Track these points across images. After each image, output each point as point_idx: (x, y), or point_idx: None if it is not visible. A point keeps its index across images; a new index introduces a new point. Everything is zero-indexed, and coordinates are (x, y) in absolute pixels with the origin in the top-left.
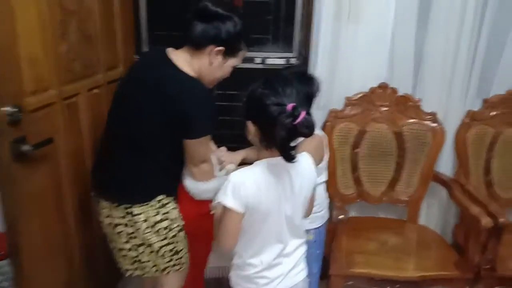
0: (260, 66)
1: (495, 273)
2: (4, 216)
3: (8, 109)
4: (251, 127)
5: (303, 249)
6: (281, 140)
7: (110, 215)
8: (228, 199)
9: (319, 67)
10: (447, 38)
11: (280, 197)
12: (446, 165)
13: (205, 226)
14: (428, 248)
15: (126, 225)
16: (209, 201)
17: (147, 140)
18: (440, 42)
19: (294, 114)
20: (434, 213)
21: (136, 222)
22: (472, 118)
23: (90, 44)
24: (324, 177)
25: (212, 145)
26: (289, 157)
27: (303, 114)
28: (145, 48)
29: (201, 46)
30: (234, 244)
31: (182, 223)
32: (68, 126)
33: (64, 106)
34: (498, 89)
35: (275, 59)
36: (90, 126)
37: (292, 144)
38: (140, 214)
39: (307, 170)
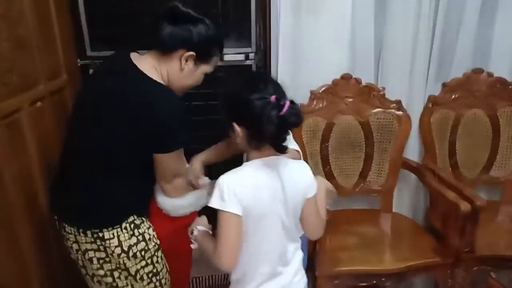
0: (219, 63)
1: (474, 254)
2: None
3: None
4: (237, 129)
5: (300, 254)
6: (271, 134)
7: (78, 241)
8: (225, 203)
9: (280, 61)
10: (406, 24)
11: (273, 198)
12: (412, 151)
13: (182, 241)
14: (406, 236)
15: (97, 250)
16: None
17: (113, 156)
18: (399, 28)
19: (279, 104)
20: (405, 200)
21: (107, 247)
22: (433, 103)
23: (26, 51)
24: None
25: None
26: (281, 148)
27: (287, 103)
28: (89, 52)
29: (170, 50)
30: (236, 258)
31: (158, 241)
32: (11, 149)
33: (4, 126)
34: (456, 73)
35: (234, 55)
36: (36, 145)
37: (284, 135)
38: (111, 238)
39: (301, 176)
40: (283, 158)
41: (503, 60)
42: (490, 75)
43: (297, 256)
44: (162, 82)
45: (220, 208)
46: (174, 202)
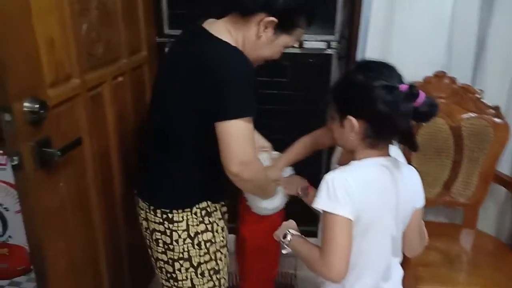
0: (297, 50)
1: None
2: (27, 235)
3: (27, 104)
4: (354, 123)
5: (401, 270)
6: (406, 129)
7: (148, 218)
8: (336, 204)
9: (368, 53)
10: None
11: (386, 205)
12: (505, 163)
13: (268, 241)
14: (493, 258)
15: (164, 233)
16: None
17: (185, 133)
18: (507, 26)
19: (413, 94)
20: (490, 216)
21: (175, 231)
22: None
23: (111, 22)
24: None
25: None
26: (415, 145)
27: (421, 93)
28: (166, 29)
29: (249, 13)
30: (348, 266)
31: (227, 237)
32: (93, 123)
33: (89, 98)
34: None
35: (314, 42)
36: (116, 121)
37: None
38: (180, 221)
39: (414, 183)
40: (397, 160)
41: None
42: None
43: (399, 272)
44: (232, 44)
45: (331, 211)
46: (259, 204)
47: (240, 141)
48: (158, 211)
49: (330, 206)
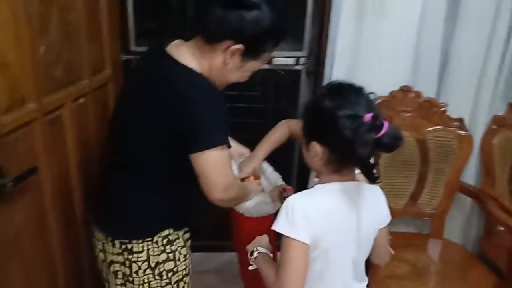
0: (266, 66)
1: None
2: None
3: None
4: (317, 149)
5: None
6: (364, 159)
7: (105, 250)
8: (293, 229)
9: (336, 69)
10: (478, 37)
11: (346, 230)
12: (468, 174)
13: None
14: (462, 268)
15: (123, 264)
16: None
17: (148, 158)
18: (470, 41)
19: (376, 125)
20: (456, 225)
21: (135, 262)
22: (498, 124)
23: (73, 42)
24: None
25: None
26: (374, 177)
27: (386, 123)
28: (132, 46)
29: (215, 40)
30: (301, 281)
31: (189, 265)
32: (52, 148)
33: (46, 122)
34: None
35: (283, 58)
36: (76, 144)
37: (372, 161)
38: (140, 252)
39: (377, 205)
40: (361, 183)
41: None
42: None
43: None
44: (199, 71)
45: (287, 234)
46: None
47: (220, 169)
48: (117, 242)
49: (287, 229)
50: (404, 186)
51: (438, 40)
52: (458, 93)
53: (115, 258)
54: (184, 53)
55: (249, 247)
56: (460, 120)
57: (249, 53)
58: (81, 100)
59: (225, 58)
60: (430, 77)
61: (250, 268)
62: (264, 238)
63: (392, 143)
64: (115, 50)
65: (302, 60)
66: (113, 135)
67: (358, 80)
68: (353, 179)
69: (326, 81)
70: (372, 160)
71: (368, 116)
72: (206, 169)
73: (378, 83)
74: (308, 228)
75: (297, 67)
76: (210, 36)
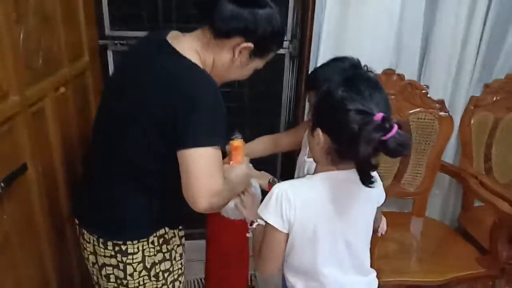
0: None
1: None
2: None
3: None
4: (320, 136)
5: None
6: (365, 158)
7: (96, 252)
8: (269, 214)
9: (321, 54)
10: (457, 22)
11: (337, 220)
12: (448, 154)
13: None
14: (446, 244)
15: (116, 266)
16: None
17: (141, 155)
18: (449, 25)
19: (384, 127)
20: (436, 203)
21: (129, 264)
22: (475, 104)
23: (51, 28)
24: None
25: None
26: (368, 178)
27: (395, 127)
28: (107, 30)
29: (226, 36)
30: (275, 268)
31: (184, 263)
32: (36, 143)
33: (30, 116)
34: (500, 74)
35: None
36: (60, 138)
37: (374, 162)
38: (135, 253)
39: (373, 190)
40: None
41: None
42: None
43: None
44: (200, 66)
45: (267, 220)
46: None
47: (211, 170)
48: (109, 243)
49: (264, 213)
50: (388, 167)
51: (420, 24)
52: (439, 75)
53: (107, 260)
54: (187, 46)
55: (250, 217)
56: (441, 102)
57: (258, 51)
58: (62, 90)
59: (233, 55)
60: (412, 60)
61: (247, 235)
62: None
63: (397, 149)
64: (91, 35)
65: (285, 44)
66: (101, 130)
67: None
68: (351, 168)
69: (311, 65)
70: (373, 161)
71: (379, 116)
72: (196, 168)
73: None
74: (282, 216)
75: (281, 51)
76: (221, 32)
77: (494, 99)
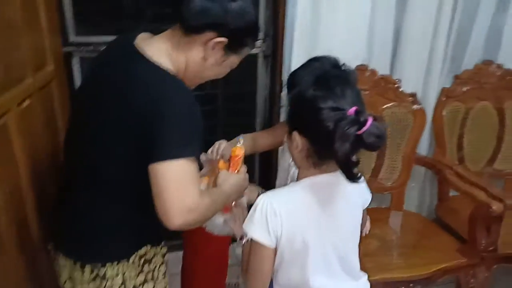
0: None
1: (497, 253)
2: None
3: None
4: (297, 139)
5: None
6: (343, 155)
7: (72, 278)
8: (254, 229)
9: (295, 50)
10: (426, 16)
11: (325, 226)
12: (421, 145)
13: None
14: (426, 236)
15: None
16: None
17: (115, 169)
18: (419, 20)
19: (358, 121)
20: (413, 196)
21: None
22: (446, 96)
23: (12, 35)
24: None
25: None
26: (352, 176)
27: (370, 119)
28: (72, 37)
29: (196, 31)
30: (263, 285)
31: (167, 282)
32: (0, 164)
33: None
34: (469, 65)
35: None
36: (25, 155)
37: (354, 158)
38: (115, 276)
39: (357, 190)
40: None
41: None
42: (499, 67)
43: None
44: (173, 70)
45: (249, 233)
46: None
47: (183, 185)
48: (87, 267)
49: (250, 228)
50: (366, 163)
51: (391, 19)
52: (410, 68)
53: (85, 286)
54: (157, 49)
55: (239, 232)
56: (413, 95)
57: (232, 46)
58: (26, 103)
59: (205, 52)
60: (384, 55)
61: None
62: None
63: (374, 142)
64: (55, 42)
65: (257, 43)
66: (73, 145)
67: None
68: (331, 171)
69: (285, 64)
70: (354, 158)
71: (351, 110)
72: (167, 183)
73: None
74: (268, 230)
75: (253, 51)
76: (191, 27)
77: (464, 89)
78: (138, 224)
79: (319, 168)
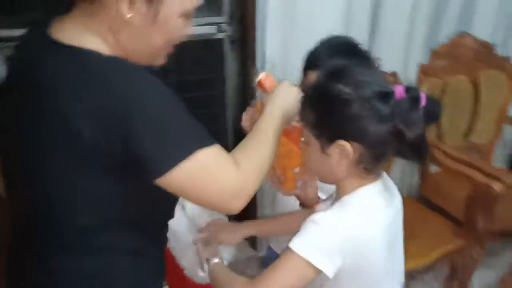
0: None
1: (492, 231)
2: None
3: None
4: (347, 148)
5: None
6: (417, 140)
7: None
8: (319, 257)
9: (269, 32)
10: None
11: (391, 238)
12: None
13: None
14: (420, 221)
15: None
16: None
17: (83, 203)
18: None
19: (415, 97)
20: (396, 177)
21: None
22: (424, 72)
23: None
24: None
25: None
26: (425, 153)
27: (422, 93)
28: None
29: None
30: None
31: None
32: None
33: None
34: (445, 39)
35: (200, 26)
36: None
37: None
38: None
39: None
40: (385, 175)
41: (486, 22)
42: (475, 40)
43: None
44: (111, 52)
45: (307, 258)
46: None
47: (216, 175)
48: None
49: (310, 254)
50: None
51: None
52: (389, 46)
53: None
54: (75, 30)
55: (204, 255)
56: (394, 74)
57: None
58: None
59: (122, 10)
60: (362, 33)
61: (201, 274)
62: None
63: (438, 110)
64: None
65: (223, 26)
66: (17, 188)
67: (296, 42)
68: (377, 178)
69: (258, 48)
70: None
71: (400, 90)
72: (193, 190)
73: (313, 43)
74: (338, 258)
75: (219, 35)
76: None
77: (442, 65)
78: (126, 268)
79: (370, 173)
